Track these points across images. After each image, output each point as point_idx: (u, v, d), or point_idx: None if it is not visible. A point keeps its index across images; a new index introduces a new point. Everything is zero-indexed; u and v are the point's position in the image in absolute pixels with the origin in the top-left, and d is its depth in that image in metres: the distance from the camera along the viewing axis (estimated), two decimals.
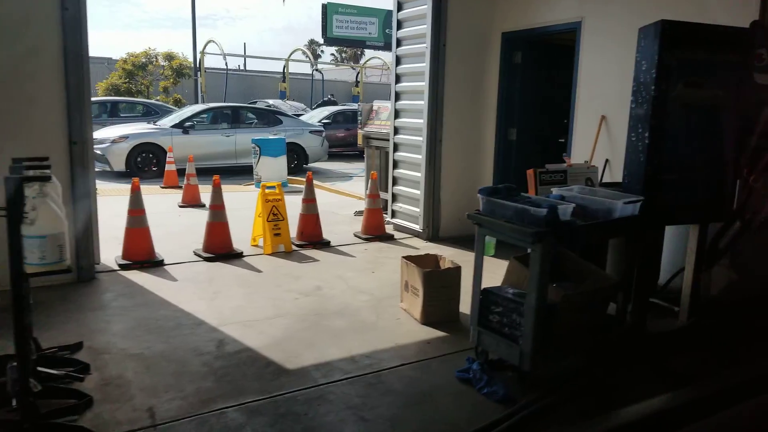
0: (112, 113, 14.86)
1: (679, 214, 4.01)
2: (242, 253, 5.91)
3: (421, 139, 6.68)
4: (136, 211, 5.46)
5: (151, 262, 5.46)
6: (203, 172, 12.62)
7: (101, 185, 10.54)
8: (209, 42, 25.38)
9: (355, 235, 6.88)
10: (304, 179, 6.86)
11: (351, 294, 4.90)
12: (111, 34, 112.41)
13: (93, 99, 15.79)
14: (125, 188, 10.41)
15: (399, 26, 6.97)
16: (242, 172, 12.06)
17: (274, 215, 6.07)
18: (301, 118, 17.22)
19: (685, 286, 4.33)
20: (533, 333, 3.20)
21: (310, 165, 13.97)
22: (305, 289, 4.96)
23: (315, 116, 17.73)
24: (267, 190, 6.16)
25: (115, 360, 3.57)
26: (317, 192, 10.75)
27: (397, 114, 7.13)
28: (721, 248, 4.49)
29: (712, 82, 3.92)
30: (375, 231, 6.83)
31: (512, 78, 6.73)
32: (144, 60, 22.77)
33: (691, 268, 4.27)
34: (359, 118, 8.49)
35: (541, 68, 6.77)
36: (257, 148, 10.99)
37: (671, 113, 3.81)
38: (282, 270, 5.53)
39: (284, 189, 10.21)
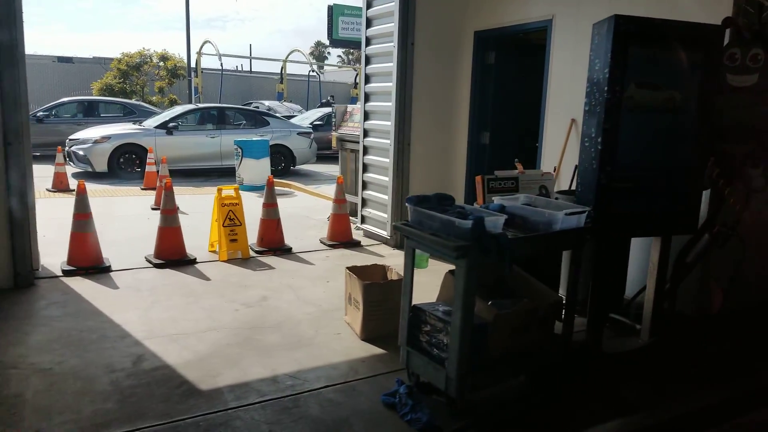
0: (89, 113, 14.64)
1: (635, 226, 3.71)
2: (195, 259, 5.66)
3: (389, 141, 6.41)
4: (82, 215, 5.22)
5: (96, 268, 5.23)
6: (188, 174, 12.44)
7: None
8: (205, 42, 25.25)
9: (321, 242, 6.62)
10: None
11: (297, 305, 4.63)
12: (121, 35, 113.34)
13: (69, 99, 15.78)
14: (103, 189, 10.26)
15: (368, 24, 6.70)
16: (228, 174, 11.80)
17: (231, 220, 5.82)
18: (294, 119, 17.00)
19: (647, 302, 4.03)
20: (459, 356, 2.92)
21: (298, 167, 13.73)
22: (249, 300, 4.71)
23: (308, 117, 17.49)
24: (223, 194, 5.91)
25: (20, 376, 3.33)
26: (298, 195, 10.59)
27: (366, 116, 6.86)
28: (689, 262, 4.18)
29: (673, 82, 3.62)
30: (341, 237, 6.56)
31: (485, 79, 6.43)
32: (138, 60, 22.63)
33: (653, 284, 3.97)
34: (333, 120, 8.22)
35: (516, 69, 6.45)
36: (239, 150, 10.77)
37: (627, 116, 3.52)
38: (232, 278, 5.27)
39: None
